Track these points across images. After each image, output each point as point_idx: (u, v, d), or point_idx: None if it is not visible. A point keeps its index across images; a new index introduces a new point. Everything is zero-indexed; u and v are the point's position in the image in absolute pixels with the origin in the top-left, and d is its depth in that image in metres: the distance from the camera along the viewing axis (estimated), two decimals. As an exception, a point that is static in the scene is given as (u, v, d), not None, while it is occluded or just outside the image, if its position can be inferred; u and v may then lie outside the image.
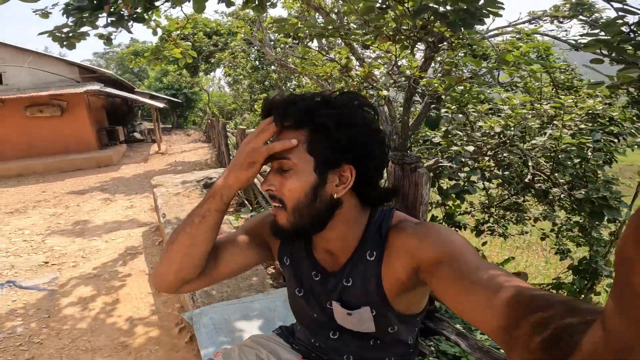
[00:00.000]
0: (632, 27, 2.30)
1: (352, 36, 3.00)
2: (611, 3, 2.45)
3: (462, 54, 3.60)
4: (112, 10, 3.09)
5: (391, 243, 0.77)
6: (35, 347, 2.28)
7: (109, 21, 3.16)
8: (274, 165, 0.75)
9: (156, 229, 4.38)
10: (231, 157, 7.25)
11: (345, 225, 0.78)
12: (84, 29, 2.72)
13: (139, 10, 3.14)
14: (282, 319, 1.78)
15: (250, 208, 4.01)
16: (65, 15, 2.74)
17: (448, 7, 2.34)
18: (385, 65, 3.55)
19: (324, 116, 0.70)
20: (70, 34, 2.79)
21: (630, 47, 2.24)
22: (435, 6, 2.27)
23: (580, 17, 5.62)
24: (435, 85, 3.34)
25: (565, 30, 5.95)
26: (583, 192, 4.30)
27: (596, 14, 5.57)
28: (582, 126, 4.81)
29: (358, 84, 3.24)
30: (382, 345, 0.86)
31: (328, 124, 0.70)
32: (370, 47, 2.98)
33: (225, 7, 3.14)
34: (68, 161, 9.81)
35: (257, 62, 7.69)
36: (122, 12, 3.22)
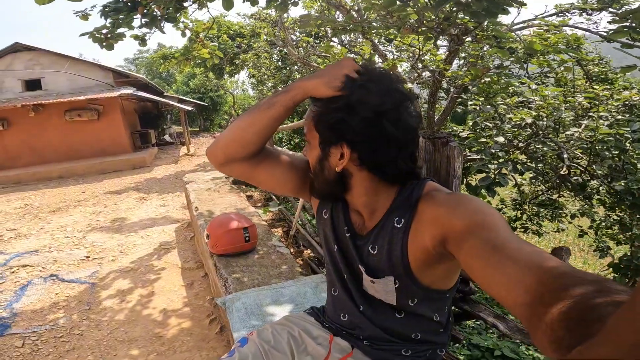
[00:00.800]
0: None
1: (374, 30, 3.01)
2: None
3: (488, 47, 3.52)
4: (145, 11, 3.21)
5: (420, 211, 0.77)
6: (76, 339, 2.39)
7: (143, 22, 3.29)
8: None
9: (188, 225, 4.53)
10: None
11: (365, 195, 0.83)
12: (121, 30, 2.86)
13: (170, 10, 3.26)
14: (312, 304, 1.81)
15: (278, 202, 4.08)
16: (103, 17, 2.88)
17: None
18: (409, 60, 3.53)
19: (323, 100, 0.78)
20: (109, 35, 2.92)
21: None
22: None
23: (610, 9, 5.37)
24: (462, 76, 3.29)
25: (595, 23, 5.69)
26: (623, 184, 4.10)
27: (625, 7, 5.32)
28: (619, 117, 4.59)
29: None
30: (406, 319, 0.86)
31: (323, 106, 0.78)
32: (393, 42, 2.97)
33: (250, 6, 3.20)
34: (106, 163, 10.28)
35: (279, 63, 7.80)
36: (155, 13, 3.35)
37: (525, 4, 2.35)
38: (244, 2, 3.32)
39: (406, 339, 0.89)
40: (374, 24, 2.63)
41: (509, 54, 2.88)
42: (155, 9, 3.20)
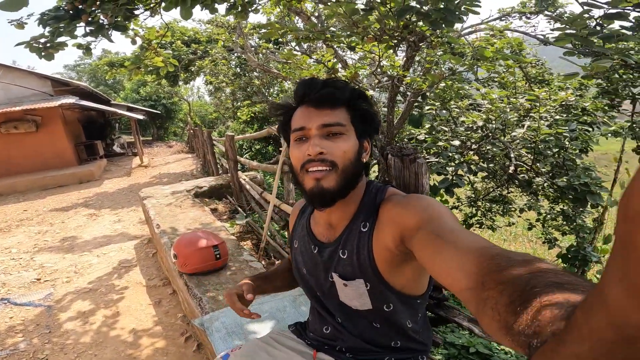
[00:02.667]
0: (598, 21, 2.44)
1: (337, 38, 3.06)
2: None
3: (441, 52, 3.71)
4: (90, 19, 3.04)
5: (381, 214, 0.83)
6: (41, 363, 2.23)
7: (87, 30, 3.11)
8: (320, 132, 0.82)
9: (149, 241, 4.33)
10: (219, 166, 7.21)
11: (351, 195, 0.87)
12: (62, 38, 2.69)
13: (118, 18, 3.11)
14: (293, 319, 1.80)
15: (245, 214, 4.01)
16: (41, 26, 2.71)
17: (429, 7, 2.44)
18: (369, 67, 3.63)
19: (359, 97, 0.85)
20: (48, 44, 2.75)
21: (597, 40, 2.38)
22: (417, 6, 2.36)
23: (546, 12, 5.90)
24: (419, 82, 3.43)
25: (533, 26, 6.22)
26: (565, 180, 4.48)
27: (560, 9, 5.88)
28: (558, 117, 5.02)
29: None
30: (383, 329, 0.90)
31: (363, 103, 0.85)
32: (355, 49, 3.04)
33: (209, 14, 3.15)
34: (49, 178, 9.54)
35: (238, 69, 7.68)
36: (101, 21, 3.18)
37: (478, 12, 2.51)
38: (202, 9, 3.25)
39: (386, 348, 0.92)
40: (332, 28, 2.69)
41: (461, 59, 3.05)
42: (102, 17, 3.05)
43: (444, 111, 4.58)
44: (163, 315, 2.66)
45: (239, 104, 10.36)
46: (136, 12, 3.36)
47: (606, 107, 5.39)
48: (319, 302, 0.98)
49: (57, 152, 10.68)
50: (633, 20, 2.28)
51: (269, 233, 3.18)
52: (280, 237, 3.26)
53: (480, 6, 2.45)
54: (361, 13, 2.72)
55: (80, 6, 3.02)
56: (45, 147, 10.56)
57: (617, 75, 4.81)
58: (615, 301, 0.21)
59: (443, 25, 2.50)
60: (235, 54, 7.44)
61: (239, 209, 4.22)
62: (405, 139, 5.85)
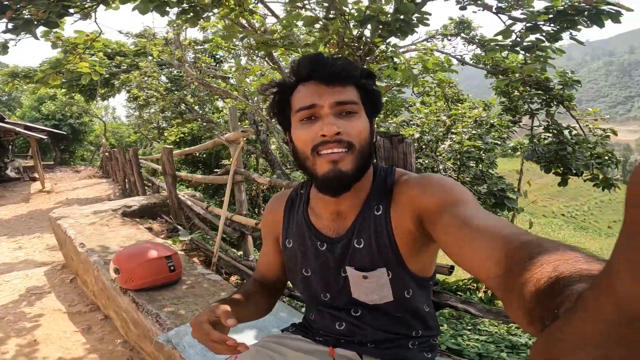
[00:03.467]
0: (517, 34, 2.81)
1: (295, 47, 3.06)
2: (499, 15, 2.98)
3: (385, 66, 3.93)
4: (14, 15, 2.77)
5: (396, 195, 0.78)
6: None
7: (9, 27, 2.85)
8: (333, 111, 0.74)
9: (63, 267, 3.70)
10: (146, 188, 6.58)
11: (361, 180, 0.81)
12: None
13: (50, 15, 2.85)
14: (275, 324, 1.63)
15: (188, 231, 3.65)
16: None
17: (390, 17, 2.58)
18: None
19: (368, 75, 0.78)
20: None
21: (510, 56, 2.74)
22: (377, 16, 2.48)
23: (462, 34, 6.76)
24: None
25: (454, 47, 7.06)
26: (486, 187, 4.98)
27: (473, 32, 6.81)
28: (473, 132, 5.65)
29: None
30: (405, 317, 0.84)
31: (372, 81, 0.79)
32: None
33: (160, 16, 2.96)
34: None
35: (169, 84, 7.21)
36: (29, 17, 2.90)
37: (428, 24, 2.71)
38: (151, 11, 3.05)
39: (408, 336, 0.86)
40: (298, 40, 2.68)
41: (409, 73, 3.25)
42: (31, 14, 2.76)
43: (387, 123, 4.81)
44: (97, 342, 2.22)
45: (164, 124, 9.75)
46: (71, 10, 3.13)
47: (509, 123, 6.20)
48: (325, 304, 0.87)
49: None
50: (547, 31, 2.64)
51: (219, 248, 2.91)
52: (232, 252, 3.01)
53: (429, 18, 2.67)
54: (320, 23, 2.77)
55: (5, 2, 2.74)
56: None
57: (517, 93, 5.54)
58: (622, 287, 0.21)
59: (399, 35, 2.66)
60: (167, 69, 7.02)
61: (179, 227, 3.83)
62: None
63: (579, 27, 2.59)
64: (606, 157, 4.93)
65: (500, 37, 2.66)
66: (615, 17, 2.33)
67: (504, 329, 2.66)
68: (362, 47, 2.60)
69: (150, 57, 7.23)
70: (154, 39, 6.25)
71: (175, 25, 4.83)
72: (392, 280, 0.78)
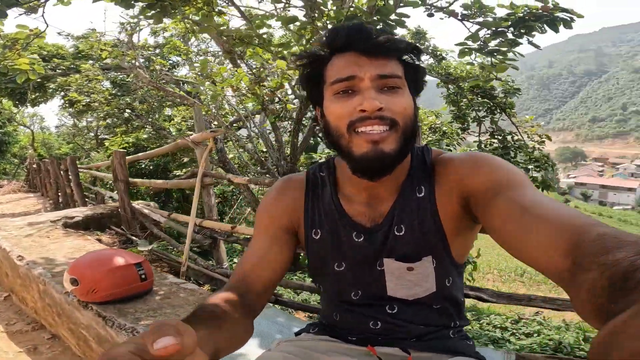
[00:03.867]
0: (481, 39, 3.00)
1: (273, 46, 2.97)
2: (464, 22, 3.17)
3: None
4: None
5: (439, 175, 0.72)
6: None
7: None
8: (375, 84, 0.66)
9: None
10: (86, 199, 5.96)
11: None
12: None
13: None
14: (278, 330, 1.48)
15: (147, 241, 3.31)
16: None
17: (373, 18, 2.61)
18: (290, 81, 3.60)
19: (414, 49, 0.71)
20: None
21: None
22: (358, 16, 2.50)
23: (417, 44, 7.31)
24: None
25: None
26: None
27: (427, 43, 7.29)
28: (429, 138, 5.94)
29: (269, 96, 3.16)
30: (443, 308, 0.77)
31: (418, 56, 0.71)
32: (285, 59, 2.98)
33: (125, 9, 2.77)
34: None
35: (115, 89, 6.64)
36: None
37: (405, 26, 2.78)
38: (115, 4, 2.82)
39: (448, 326, 0.79)
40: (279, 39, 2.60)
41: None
42: None
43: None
44: (47, 368, 1.88)
45: (105, 133, 9.01)
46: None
47: (459, 131, 6.60)
48: (354, 302, 0.77)
49: None
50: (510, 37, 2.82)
51: (188, 257, 2.66)
52: (202, 260, 2.76)
53: (405, 21, 2.74)
54: (299, 22, 2.73)
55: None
56: None
57: (465, 101, 5.93)
58: None
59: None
60: (113, 73, 6.50)
61: (133, 237, 3.47)
62: (305, 163, 5.96)
63: (533, 32, 2.81)
64: (543, 161, 5.40)
65: (470, 41, 2.80)
66: (568, 23, 2.55)
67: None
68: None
69: (91, 62, 6.68)
70: (100, 40, 5.79)
71: (130, 24, 4.51)
72: (437, 269, 0.72)
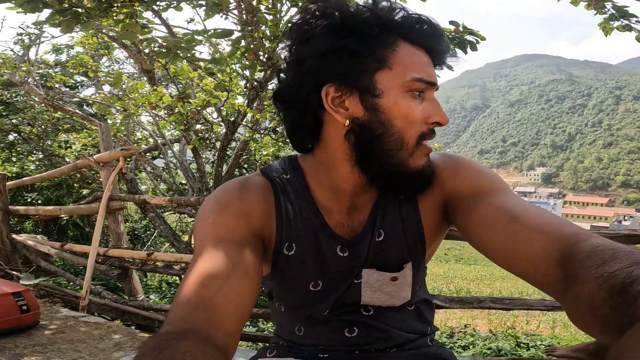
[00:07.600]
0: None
1: (203, 63, 2.84)
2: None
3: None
4: None
5: None
6: None
7: None
8: (433, 94, 0.60)
9: None
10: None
11: None
12: None
13: None
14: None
15: (32, 275, 2.73)
16: None
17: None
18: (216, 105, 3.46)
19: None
20: None
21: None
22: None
23: None
24: (264, 117, 3.44)
25: None
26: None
27: None
28: None
29: (193, 115, 2.98)
30: (417, 310, 0.72)
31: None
32: (214, 74, 2.88)
33: (30, 13, 2.47)
34: None
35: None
36: None
37: None
38: (18, 12, 2.49)
39: (425, 333, 0.74)
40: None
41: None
42: None
43: (276, 162, 4.82)
44: None
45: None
46: None
47: None
48: (323, 316, 0.67)
49: None
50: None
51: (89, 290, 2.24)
52: (108, 293, 2.35)
53: None
54: (233, 38, 2.68)
55: None
56: None
57: None
58: None
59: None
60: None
61: (13, 272, 2.85)
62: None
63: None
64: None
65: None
66: (474, 45, 2.88)
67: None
68: (275, 63, 2.60)
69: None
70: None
71: (30, 36, 3.96)
72: (414, 276, 0.66)
